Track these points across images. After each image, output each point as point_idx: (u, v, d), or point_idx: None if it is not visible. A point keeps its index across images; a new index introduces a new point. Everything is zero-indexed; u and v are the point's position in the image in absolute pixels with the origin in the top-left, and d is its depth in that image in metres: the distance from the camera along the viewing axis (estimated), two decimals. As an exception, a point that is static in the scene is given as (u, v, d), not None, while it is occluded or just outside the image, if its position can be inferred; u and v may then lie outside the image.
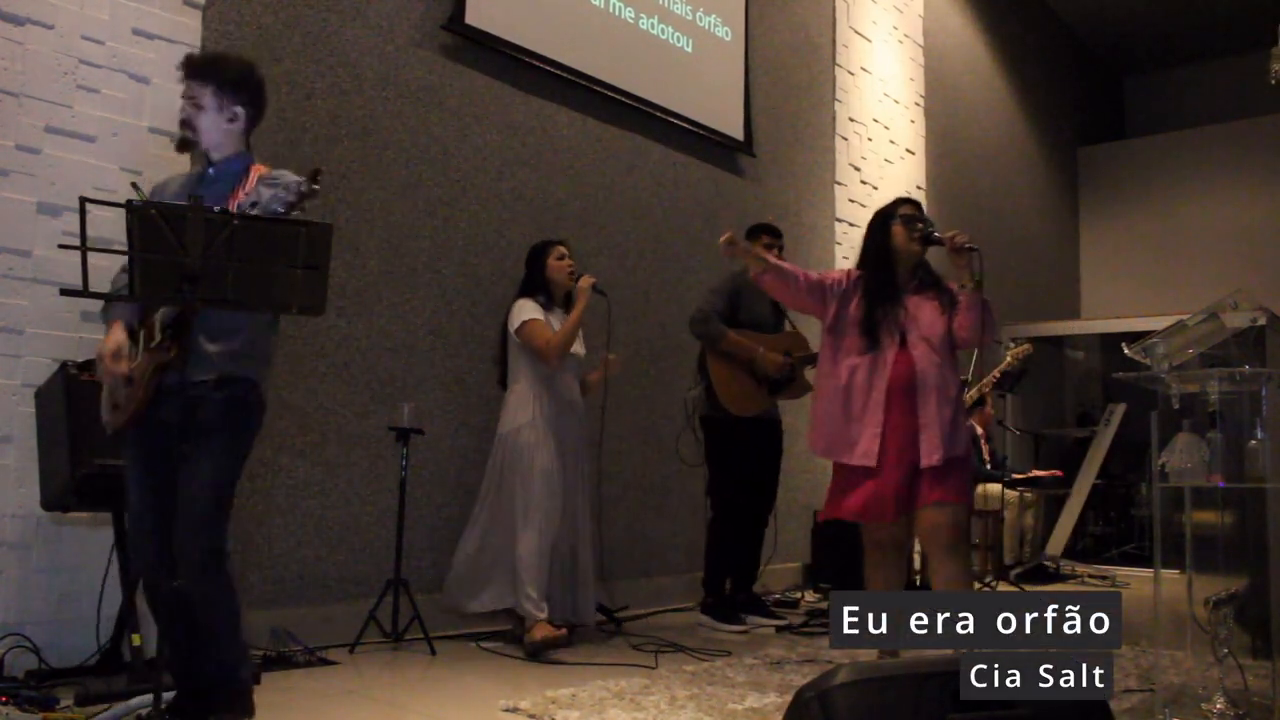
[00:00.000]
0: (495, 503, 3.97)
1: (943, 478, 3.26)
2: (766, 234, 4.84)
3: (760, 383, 4.67)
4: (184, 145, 2.78)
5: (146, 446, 2.58)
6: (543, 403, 4.01)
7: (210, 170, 2.72)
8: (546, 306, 4.10)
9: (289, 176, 2.58)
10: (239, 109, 2.72)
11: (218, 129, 2.71)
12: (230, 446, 2.60)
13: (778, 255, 4.79)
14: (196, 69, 2.73)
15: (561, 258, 4.17)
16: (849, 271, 3.48)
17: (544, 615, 3.79)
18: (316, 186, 2.43)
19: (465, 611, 4.01)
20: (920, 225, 3.36)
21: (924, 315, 3.35)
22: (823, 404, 3.40)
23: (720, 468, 4.71)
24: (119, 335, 2.54)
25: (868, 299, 3.35)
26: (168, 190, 2.74)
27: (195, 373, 2.55)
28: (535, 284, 4.15)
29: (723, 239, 3.26)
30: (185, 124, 2.71)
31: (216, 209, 2.46)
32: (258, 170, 2.72)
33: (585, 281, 4.09)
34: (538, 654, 3.73)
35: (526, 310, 4.04)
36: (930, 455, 3.22)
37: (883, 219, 3.44)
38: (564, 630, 3.84)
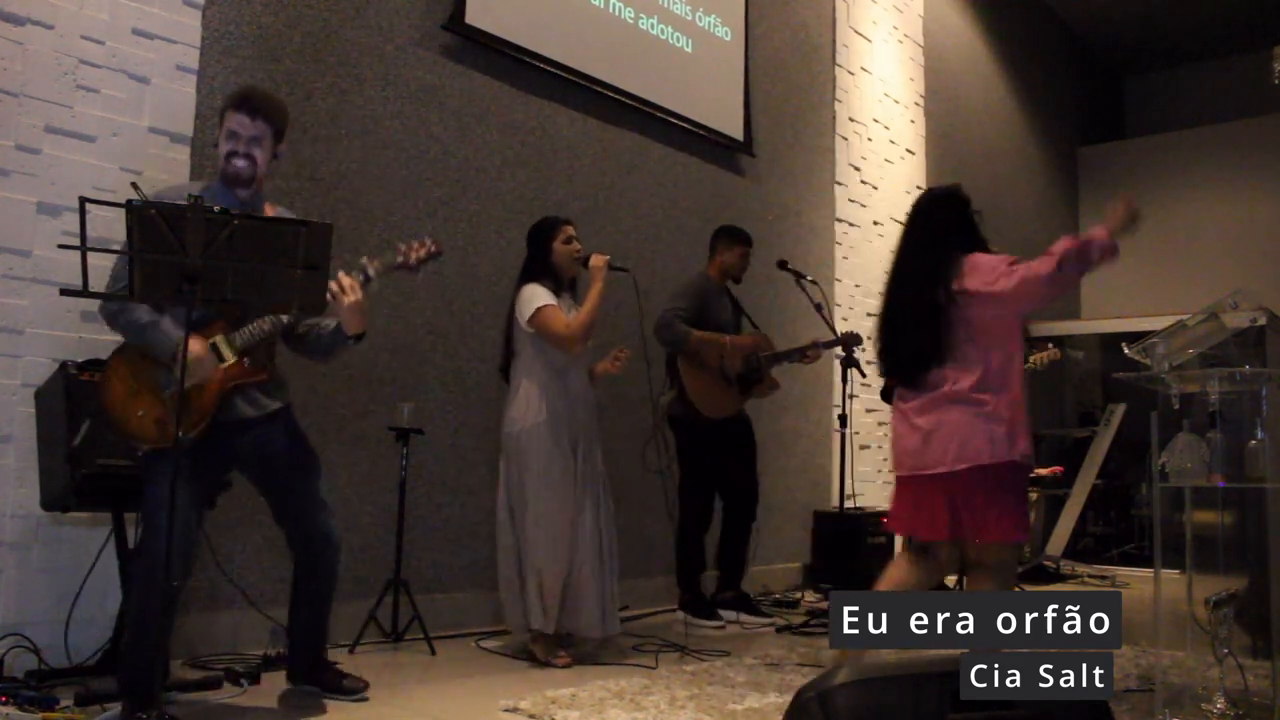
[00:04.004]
0: (513, 510, 3.72)
1: None
2: (740, 243, 4.93)
3: (731, 383, 4.68)
4: (239, 180, 2.87)
5: (201, 470, 2.80)
6: (555, 399, 3.69)
7: (236, 205, 2.79)
8: (555, 292, 3.77)
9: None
10: (280, 151, 2.97)
11: (265, 166, 2.92)
12: (319, 463, 3.07)
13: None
14: (260, 107, 2.88)
15: (569, 240, 3.82)
16: None
17: (550, 630, 3.63)
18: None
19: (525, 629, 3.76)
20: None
21: None
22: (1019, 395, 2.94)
23: (690, 467, 4.74)
24: (202, 343, 2.73)
25: None
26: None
27: (269, 404, 2.91)
28: (540, 267, 3.80)
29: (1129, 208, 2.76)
30: (248, 158, 2.85)
31: (217, 208, 2.47)
32: (270, 209, 2.98)
33: (599, 260, 3.75)
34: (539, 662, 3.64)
35: (539, 296, 3.69)
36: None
37: (967, 204, 3.19)
38: (569, 660, 3.62)
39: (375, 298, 4.19)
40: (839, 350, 4.96)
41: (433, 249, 3.07)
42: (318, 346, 3.05)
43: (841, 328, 5.71)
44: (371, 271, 2.96)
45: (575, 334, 3.67)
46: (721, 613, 4.71)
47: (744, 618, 4.70)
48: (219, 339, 2.79)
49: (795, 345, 4.98)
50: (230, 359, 2.80)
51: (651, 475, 4.89)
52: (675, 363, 4.65)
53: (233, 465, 2.98)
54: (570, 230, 3.86)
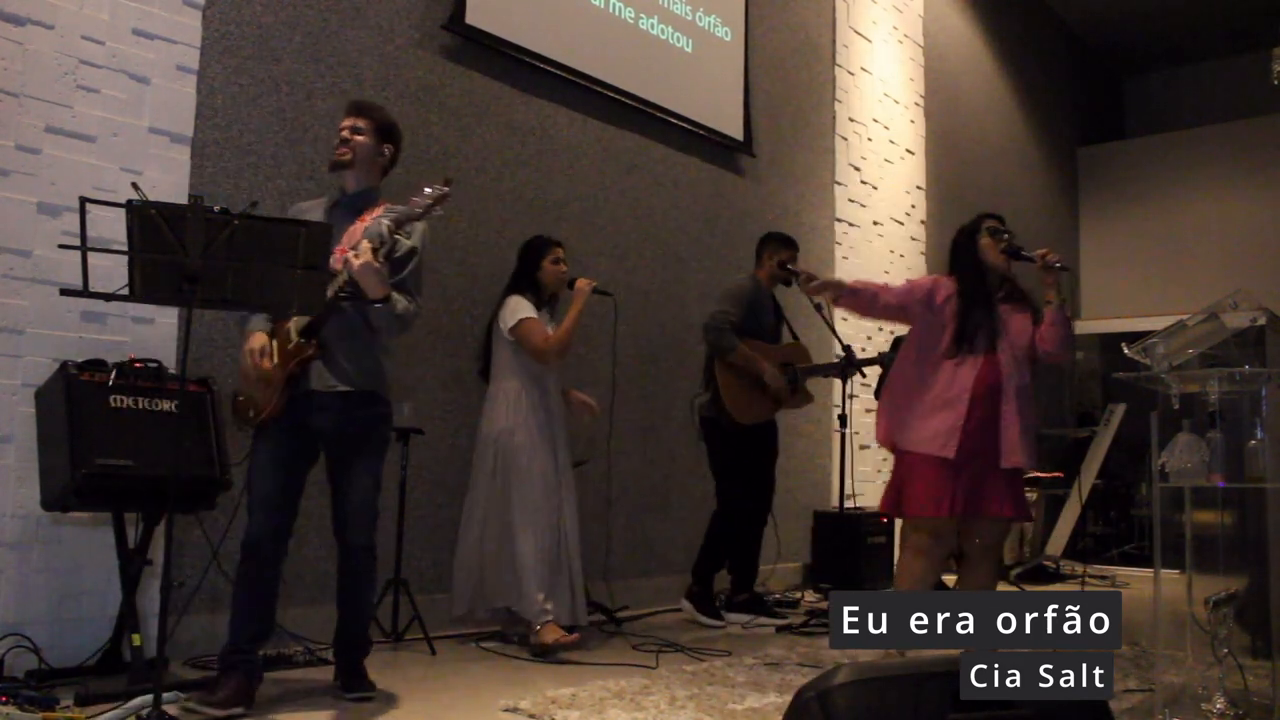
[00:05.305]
0: (491, 505, 3.90)
1: (1012, 489, 3.44)
2: (787, 248, 4.89)
3: (765, 391, 4.70)
4: (340, 163, 3.14)
5: (287, 443, 2.98)
6: (534, 402, 3.94)
7: (345, 197, 3.15)
8: (537, 306, 4.01)
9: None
10: (388, 150, 3.19)
11: (369, 160, 3.14)
12: (381, 455, 3.15)
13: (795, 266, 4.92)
14: (356, 105, 3.24)
15: (557, 261, 4.08)
16: (937, 279, 3.63)
17: (551, 618, 3.77)
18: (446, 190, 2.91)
19: (477, 618, 3.98)
20: (1006, 237, 3.52)
21: (1013, 326, 3.51)
22: (900, 397, 3.51)
23: (727, 469, 4.74)
24: (260, 337, 2.99)
25: (963, 306, 3.47)
26: (309, 214, 3.11)
27: (334, 383, 2.99)
28: (526, 282, 4.05)
29: (811, 285, 3.52)
30: (345, 143, 3.12)
31: (218, 208, 2.48)
32: (384, 204, 3.13)
33: (585, 284, 4.04)
34: (545, 655, 3.71)
35: (523, 308, 3.95)
36: (1010, 456, 3.36)
37: (969, 233, 3.59)
38: (576, 636, 3.79)
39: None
40: (839, 349, 4.98)
41: (440, 192, 2.91)
42: (375, 323, 3.03)
43: (841, 329, 5.70)
44: (385, 233, 2.89)
45: (553, 349, 3.93)
46: (728, 615, 4.71)
47: (759, 619, 4.70)
48: (291, 324, 2.98)
49: (831, 361, 5.03)
50: (294, 339, 2.97)
51: (651, 477, 4.89)
52: (713, 365, 4.66)
53: (316, 437, 3.05)
54: (560, 252, 4.12)
